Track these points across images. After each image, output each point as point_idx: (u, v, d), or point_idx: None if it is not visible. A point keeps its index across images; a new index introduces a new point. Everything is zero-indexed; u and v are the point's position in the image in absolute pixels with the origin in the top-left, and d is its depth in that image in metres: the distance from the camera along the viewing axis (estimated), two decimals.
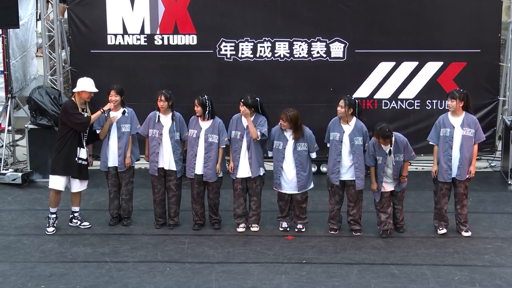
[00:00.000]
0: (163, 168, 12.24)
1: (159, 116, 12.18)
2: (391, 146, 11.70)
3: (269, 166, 12.50)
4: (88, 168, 12.47)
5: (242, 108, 11.97)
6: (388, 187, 11.88)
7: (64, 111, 12.20)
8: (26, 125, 14.68)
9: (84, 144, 12.24)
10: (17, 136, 15.76)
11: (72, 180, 12.29)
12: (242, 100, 12.00)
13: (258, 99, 12.01)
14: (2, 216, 12.90)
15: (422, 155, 12.01)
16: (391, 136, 11.66)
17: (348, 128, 11.90)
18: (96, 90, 12.17)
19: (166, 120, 12.21)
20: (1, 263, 11.39)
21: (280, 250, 11.69)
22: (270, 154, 12.19)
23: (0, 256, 11.62)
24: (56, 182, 12.22)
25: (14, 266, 11.32)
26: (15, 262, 11.43)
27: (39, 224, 12.63)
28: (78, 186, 12.36)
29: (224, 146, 12.17)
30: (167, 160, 12.23)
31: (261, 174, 12.19)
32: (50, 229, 12.41)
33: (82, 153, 12.22)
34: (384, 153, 11.76)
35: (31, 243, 12.01)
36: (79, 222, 12.55)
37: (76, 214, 12.58)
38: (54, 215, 12.43)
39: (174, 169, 12.24)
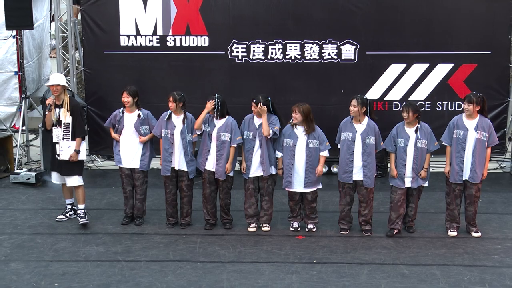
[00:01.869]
0: (174, 168, 12.25)
1: (170, 116, 12.20)
2: (418, 124, 11.76)
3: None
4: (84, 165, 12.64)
5: (258, 107, 11.97)
6: (405, 182, 11.86)
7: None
8: (39, 125, 14.72)
9: (62, 141, 12.24)
10: (31, 136, 15.81)
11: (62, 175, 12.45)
12: (254, 100, 12.01)
13: (269, 98, 12.02)
14: (16, 215, 12.94)
15: (432, 156, 11.98)
16: (420, 111, 11.77)
17: (360, 127, 11.89)
18: (54, 83, 12.08)
19: (178, 121, 12.22)
20: (15, 262, 11.41)
21: (291, 250, 11.69)
22: (280, 155, 12.17)
23: (14, 254, 11.65)
24: (51, 176, 12.54)
25: (27, 264, 11.34)
26: (29, 260, 11.45)
27: (52, 223, 12.67)
28: (68, 181, 12.45)
29: (236, 146, 12.17)
30: (177, 160, 12.25)
31: (273, 172, 12.19)
32: (60, 216, 12.69)
33: (60, 149, 12.27)
34: (407, 136, 11.77)
35: (45, 242, 12.04)
36: (79, 219, 12.59)
37: (78, 212, 12.61)
38: (69, 206, 12.72)
39: (185, 169, 12.25)
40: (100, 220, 12.74)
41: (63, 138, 12.22)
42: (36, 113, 15.98)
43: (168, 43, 14.82)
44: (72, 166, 12.32)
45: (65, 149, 12.18)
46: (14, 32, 15.99)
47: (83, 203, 12.56)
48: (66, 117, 12.18)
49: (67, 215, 12.79)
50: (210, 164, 12.18)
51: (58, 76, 12.37)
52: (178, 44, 14.79)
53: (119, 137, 12.36)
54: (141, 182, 12.49)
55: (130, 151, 12.39)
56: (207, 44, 14.78)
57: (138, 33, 14.82)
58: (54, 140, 12.25)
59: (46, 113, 12.17)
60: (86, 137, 13.05)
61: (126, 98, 12.30)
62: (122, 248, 11.80)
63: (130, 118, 12.38)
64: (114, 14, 14.80)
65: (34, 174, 14.16)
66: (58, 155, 12.25)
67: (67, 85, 12.38)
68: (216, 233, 12.29)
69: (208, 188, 12.27)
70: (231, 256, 11.54)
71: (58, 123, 12.19)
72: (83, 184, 12.51)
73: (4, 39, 16.27)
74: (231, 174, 12.23)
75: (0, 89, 16.21)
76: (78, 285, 10.74)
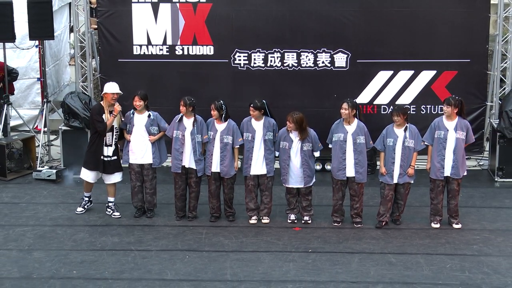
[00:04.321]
0: (184, 166, 12.23)
1: (181, 118, 12.19)
2: (407, 123, 11.79)
3: (276, 164, 12.45)
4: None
5: (254, 113, 11.98)
6: (394, 178, 11.83)
7: (90, 115, 12.59)
8: (60, 127, 14.71)
9: (113, 143, 12.29)
10: (52, 137, 15.78)
11: (103, 174, 12.40)
12: (252, 104, 12.01)
13: (264, 101, 12.03)
14: (38, 208, 12.91)
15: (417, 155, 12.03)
16: (407, 113, 11.88)
17: (351, 128, 11.88)
18: (118, 91, 12.25)
19: (188, 123, 12.19)
20: (37, 251, 11.40)
21: (288, 240, 11.67)
22: (277, 154, 12.17)
23: (36, 244, 11.63)
24: (85, 174, 12.51)
25: (49, 253, 11.33)
26: (50, 250, 11.44)
27: (71, 216, 12.64)
28: (108, 178, 12.50)
29: (238, 146, 12.15)
30: (187, 159, 12.22)
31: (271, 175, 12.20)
32: (79, 209, 12.71)
33: (109, 151, 12.27)
34: (395, 136, 11.76)
35: (64, 233, 12.01)
36: (111, 212, 12.60)
37: (110, 204, 12.65)
38: (87, 198, 12.75)
39: (194, 167, 12.22)
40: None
41: (114, 141, 12.34)
42: (57, 115, 15.95)
43: (176, 52, 14.77)
44: (115, 165, 12.43)
45: (111, 151, 12.33)
46: (37, 42, 15.95)
47: (114, 197, 12.67)
48: (117, 123, 12.36)
49: (85, 207, 12.77)
50: (214, 166, 12.14)
51: (116, 85, 12.40)
52: (185, 53, 14.75)
53: (130, 137, 12.35)
54: (150, 177, 12.45)
55: (140, 149, 12.35)
56: (212, 52, 14.74)
57: (149, 42, 14.78)
58: (108, 143, 12.27)
59: (108, 117, 12.22)
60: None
61: (138, 102, 12.29)
62: (134, 239, 11.78)
63: (140, 119, 12.35)
64: (127, 25, 14.76)
65: (54, 171, 14.11)
66: (109, 156, 12.32)
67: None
68: (220, 225, 12.26)
69: (213, 185, 12.25)
70: (234, 246, 11.52)
71: (111, 128, 12.29)
72: None
73: (27, 48, 16.22)
74: (234, 172, 12.21)
75: (24, 93, 16.18)
76: (95, 272, 10.73)
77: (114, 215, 12.58)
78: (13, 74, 15.50)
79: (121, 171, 12.55)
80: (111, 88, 12.30)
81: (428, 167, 11.96)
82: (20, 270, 10.84)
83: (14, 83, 15.73)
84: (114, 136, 12.36)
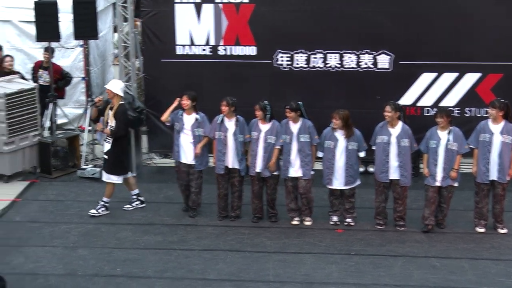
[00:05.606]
0: (227, 166, 12.20)
1: (223, 119, 12.16)
2: (451, 126, 11.64)
3: (318, 165, 12.36)
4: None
5: (290, 114, 11.95)
6: (436, 181, 11.69)
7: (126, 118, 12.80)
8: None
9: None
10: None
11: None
12: (288, 106, 11.95)
13: (301, 103, 11.95)
14: (83, 206, 12.95)
15: (462, 158, 11.87)
16: (451, 114, 11.79)
17: (394, 131, 11.77)
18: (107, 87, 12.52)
19: (230, 123, 12.18)
20: (82, 248, 11.46)
21: (330, 242, 11.59)
22: (320, 154, 12.09)
23: (80, 242, 11.70)
24: (118, 179, 12.69)
25: (93, 251, 11.39)
26: (94, 247, 11.50)
27: (114, 214, 12.67)
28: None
29: (279, 147, 12.09)
30: (230, 159, 12.20)
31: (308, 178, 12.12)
32: (127, 206, 12.92)
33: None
34: (438, 138, 11.63)
35: (108, 231, 12.06)
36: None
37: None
38: (134, 196, 12.92)
39: (237, 167, 12.20)
40: (158, 212, 12.73)
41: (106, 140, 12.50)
42: None
43: (219, 52, 14.75)
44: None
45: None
46: (81, 42, 16.04)
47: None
48: (112, 121, 12.39)
49: (133, 204, 12.79)
50: (258, 166, 12.10)
51: (113, 82, 12.67)
52: (228, 53, 14.73)
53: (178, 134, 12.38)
54: (196, 177, 12.46)
55: (189, 149, 12.38)
56: (254, 53, 14.69)
57: (192, 43, 14.78)
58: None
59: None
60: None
61: (185, 101, 12.33)
62: (177, 238, 11.79)
63: (188, 119, 12.39)
64: (170, 26, 14.76)
65: (98, 169, 14.15)
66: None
67: (119, 93, 12.46)
68: (262, 226, 12.22)
69: (256, 185, 12.22)
70: (276, 246, 11.48)
71: (106, 125, 12.40)
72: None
73: (72, 48, 16.31)
74: (277, 173, 12.14)
75: (69, 93, 16.25)
76: (138, 271, 10.76)
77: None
78: (67, 78, 15.61)
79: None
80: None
81: (474, 170, 11.80)
82: (65, 267, 10.92)
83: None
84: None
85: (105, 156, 12.56)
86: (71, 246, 11.54)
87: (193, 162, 12.38)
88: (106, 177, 12.58)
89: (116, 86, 12.51)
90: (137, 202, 12.86)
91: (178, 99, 12.38)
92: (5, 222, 12.46)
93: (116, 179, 12.53)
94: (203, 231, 12.03)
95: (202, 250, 11.35)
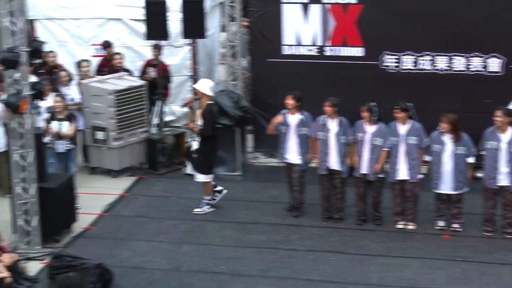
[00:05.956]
0: (329, 167, 12.17)
1: (326, 120, 12.13)
2: None
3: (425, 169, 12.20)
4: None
5: (399, 115, 11.80)
6: None
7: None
8: None
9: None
10: None
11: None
12: (397, 106, 11.80)
13: (410, 104, 11.81)
14: (188, 203, 13.10)
15: None
16: None
17: (505, 137, 11.50)
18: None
19: (333, 124, 12.14)
20: (187, 245, 11.63)
21: (436, 248, 11.40)
22: (427, 158, 11.92)
23: (186, 238, 11.87)
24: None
25: (197, 247, 11.54)
26: (199, 244, 11.65)
27: (219, 212, 12.80)
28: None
29: (387, 149, 11.96)
30: (333, 160, 12.16)
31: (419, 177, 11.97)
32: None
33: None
34: None
35: (213, 228, 12.20)
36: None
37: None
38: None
39: (340, 169, 12.15)
40: (262, 211, 12.78)
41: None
42: None
43: (325, 53, 14.73)
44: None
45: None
46: (189, 41, 16.26)
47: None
48: (200, 120, 12.59)
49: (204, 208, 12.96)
50: (363, 167, 12.02)
51: (202, 82, 12.84)
52: (335, 54, 14.68)
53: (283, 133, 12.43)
54: (298, 175, 12.47)
55: (292, 148, 12.42)
56: (361, 54, 14.59)
57: (298, 43, 14.80)
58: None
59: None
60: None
61: (289, 101, 12.38)
62: (281, 238, 11.82)
63: (293, 119, 12.45)
64: (277, 26, 14.84)
65: None
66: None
67: (208, 93, 12.58)
68: (366, 228, 12.12)
69: (361, 187, 12.14)
70: (380, 250, 11.38)
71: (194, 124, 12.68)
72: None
73: (180, 47, 16.56)
74: (382, 175, 12.04)
75: (175, 91, 16.49)
76: (242, 269, 10.84)
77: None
78: (166, 77, 15.85)
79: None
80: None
81: None
82: (170, 262, 11.09)
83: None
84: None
85: (194, 155, 12.69)
86: (176, 242, 11.72)
87: (296, 161, 12.39)
88: (197, 177, 12.75)
89: (205, 85, 12.67)
90: (208, 206, 12.91)
91: (281, 117, 12.40)
92: (113, 216, 12.76)
93: (205, 178, 12.68)
94: (307, 231, 12.02)
95: (306, 251, 11.35)
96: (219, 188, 12.98)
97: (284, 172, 12.65)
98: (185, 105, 12.75)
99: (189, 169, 12.93)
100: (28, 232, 11.40)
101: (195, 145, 12.70)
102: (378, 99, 13.39)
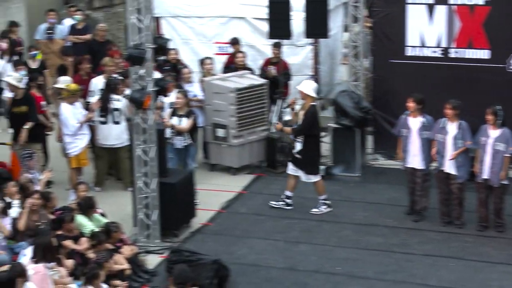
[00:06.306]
0: (443, 170, 11.94)
1: (446, 122, 11.89)
2: None
3: None
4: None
5: None
6: None
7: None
8: (329, 124, 14.82)
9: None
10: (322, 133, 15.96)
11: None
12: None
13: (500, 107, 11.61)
14: (305, 202, 13.04)
15: None
16: None
17: None
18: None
19: (452, 127, 11.91)
20: (303, 244, 11.64)
21: None
22: None
23: (302, 238, 11.88)
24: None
25: (314, 247, 11.53)
26: (315, 244, 11.63)
27: (337, 212, 12.73)
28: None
29: (509, 155, 11.61)
30: (450, 164, 11.90)
31: None
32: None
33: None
34: None
35: (330, 229, 12.16)
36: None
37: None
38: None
39: (455, 173, 11.87)
40: (381, 213, 12.64)
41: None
42: (328, 113, 16.08)
43: (450, 55, 14.42)
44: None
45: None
46: (311, 40, 16.26)
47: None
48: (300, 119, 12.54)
49: (321, 208, 12.83)
50: (484, 173, 11.70)
51: (306, 83, 12.84)
52: (460, 56, 14.35)
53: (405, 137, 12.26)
54: (421, 180, 12.26)
55: (414, 152, 12.22)
56: (487, 57, 14.21)
57: (422, 44, 14.56)
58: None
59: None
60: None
61: (410, 104, 12.21)
62: (399, 241, 11.67)
63: (414, 122, 12.25)
64: (401, 26, 14.64)
65: (324, 167, 14.11)
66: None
67: (311, 94, 12.55)
68: (488, 235, 11.80)
69: (482, 193, 11.84)
70: (502, 257, 11.07)
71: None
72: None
73: (302, 46, 16.58)
74: (506, 181, 11.68)
75: (296, 90, 16.49)
76: (358, 270, 10.77)
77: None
78: (286, 74, 15.90)
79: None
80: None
81: None
82: (286, 261, 11.13)
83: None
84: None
85: (297, 156, 12.64)
86: (292, 241, 11.74)
87: (419, 166, 12.19)
88: (306, 178, 12.74)
89: (308, 87, 12.64)
90: (324, 206, 12.81)
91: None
92: (231, 213, 12.89)
93: (314, 178, 12.68)
94: (426, 235, 11.82)
95: (424, 255, 11.16)
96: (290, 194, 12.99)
97: (407, 176, 12.44)
98: (288, 106, 12.77)
99: (290, 169, 12.91)
100: (148, 225, 11.67)
101: (298, 146, 12.67)
102: (504, 103, 13.05)
